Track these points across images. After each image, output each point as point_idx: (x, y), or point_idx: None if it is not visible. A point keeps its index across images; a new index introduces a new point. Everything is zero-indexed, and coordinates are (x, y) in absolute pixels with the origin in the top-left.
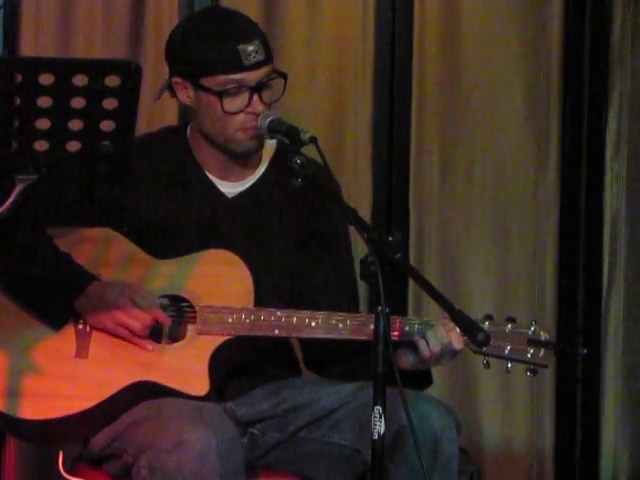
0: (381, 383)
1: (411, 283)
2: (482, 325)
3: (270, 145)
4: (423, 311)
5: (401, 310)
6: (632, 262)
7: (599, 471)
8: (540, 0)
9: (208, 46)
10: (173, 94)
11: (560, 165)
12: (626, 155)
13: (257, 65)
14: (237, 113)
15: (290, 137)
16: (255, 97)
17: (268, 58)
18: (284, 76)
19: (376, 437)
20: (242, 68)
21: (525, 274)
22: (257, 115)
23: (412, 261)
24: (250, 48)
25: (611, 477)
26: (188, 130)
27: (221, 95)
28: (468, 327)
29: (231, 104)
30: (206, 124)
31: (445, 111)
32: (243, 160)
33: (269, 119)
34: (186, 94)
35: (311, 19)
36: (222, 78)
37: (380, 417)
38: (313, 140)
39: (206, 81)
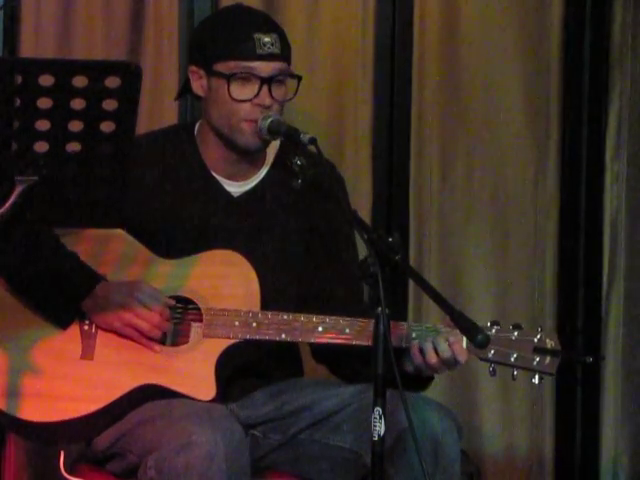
0: (381, 384)
1: (411, 284)
2: (489, 331)
3: (274, 144)
4: (423, 312)
5: (401, 311)
6: (632, 262)
7: (599, 472)
8: (540, 0)
9: (225, 31)
10: (189, 90)
11: (560, 165)
12: (626, 155)
13: (270, 57)
14: (244, 102)
15: (290, 138)
16: (264, 89)
17: (284, 55)
18: (298, 78)
19: (376, 438)
20: (255, 56)
21: (525, 274)
22: (264, 107)
23: (412, 262)
24: (266, 39)
25: (611, 478)
26: (196, 128)
27: (229, 79)
28: (468, 328)
29: (239, 91)
30: (213, 114)
31: (445, 111)
32: (248, 159)
33: (269, 120)
34: (200, 84)
35: (311, 19)
36: (233, 63)
37: (380, 418)
38: (313, 141)
39: (218, 66)
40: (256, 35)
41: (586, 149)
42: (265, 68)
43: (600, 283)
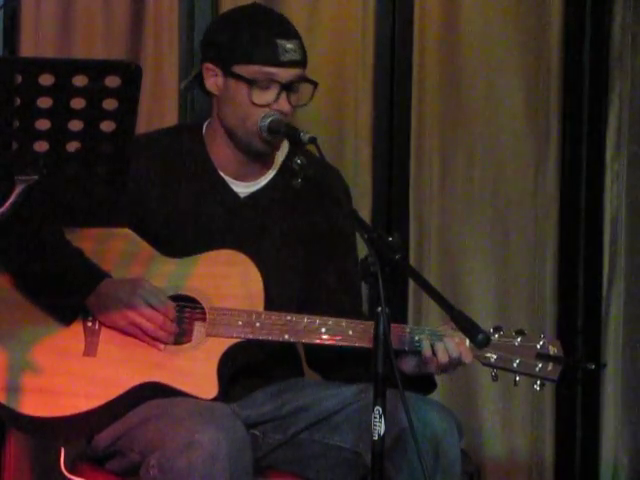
0: (381, 384)
1: (411, 284)
2: (491, 337)
3: (283, 146)
4: (423, 312)
5: (401, 310)
6: (632, 262)
7: (599, 472)
8: (540, 0)
9: (247, 33)
10: (199, 84)
11: (560, 165)
12: (626, 155)
13: (292, 64)
14: (262, 106)
15: (290, 137)
16: (283, 95)
17: (303, 61)
18: (314, 84)
19: (376, 438)
20: (278, 63)
21: (525, 274)
22: (282, 113)
23: (412, 261)
24: (289, 45)
25: (611, 478)
26: (204, 126)
27: (251, 84)
28: (468, 328)
29: (259, 96)
30: (228, 115)
31: (445, 111)
32: (257, 160)
33: (269, 119)
34: (214, 82)
35: (311, 18)
36: (256, 68)
37: (380, 417)
38: (313, 140)
39: (238, 68)
40: (279, 41)
41: (586, 149)
42: (285, 74)
43: (600, 283)
